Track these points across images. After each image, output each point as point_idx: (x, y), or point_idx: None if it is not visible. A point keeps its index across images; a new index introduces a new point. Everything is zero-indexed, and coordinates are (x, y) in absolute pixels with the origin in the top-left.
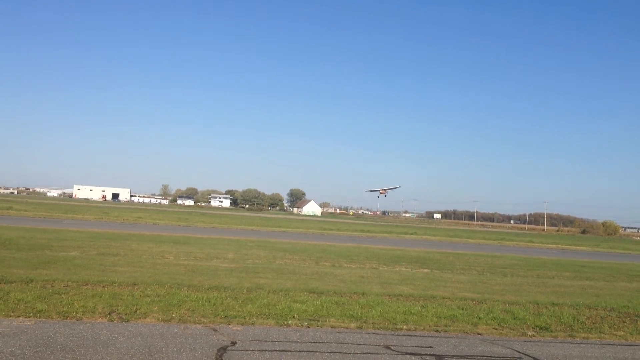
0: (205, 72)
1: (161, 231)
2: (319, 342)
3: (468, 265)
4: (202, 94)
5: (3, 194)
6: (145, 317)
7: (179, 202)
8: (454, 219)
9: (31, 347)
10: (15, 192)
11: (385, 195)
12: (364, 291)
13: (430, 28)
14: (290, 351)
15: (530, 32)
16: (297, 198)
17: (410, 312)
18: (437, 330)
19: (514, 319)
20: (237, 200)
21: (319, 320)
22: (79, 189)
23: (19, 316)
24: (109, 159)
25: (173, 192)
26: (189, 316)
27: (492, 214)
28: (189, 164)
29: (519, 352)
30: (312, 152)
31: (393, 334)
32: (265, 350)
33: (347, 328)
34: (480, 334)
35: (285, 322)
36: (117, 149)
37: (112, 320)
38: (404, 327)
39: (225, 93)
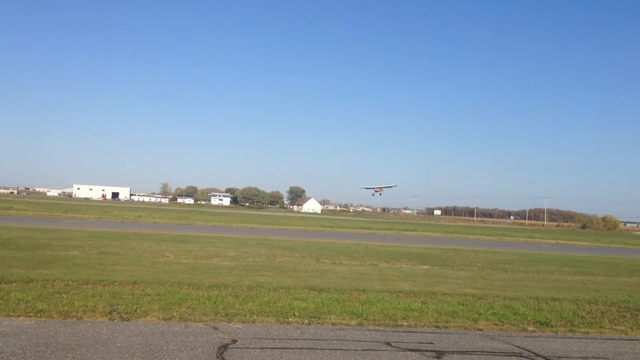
0: (204, 70)
1: (161, 230)
2: (320, 339)
3: (468, 261)
4: (201, 93)
5: (3, 194)
6: (145, 316)
7: (179, 200)
8: (454, 215)
9: (32, 346)
10: (15, 191)
11: (380, 194)
12: (364, 288)
13: (428, 24)
14: (291, 348)
15: (528, 26)
16: (297, 196)
17: (411, 309)
18: (437, 327)
19: (514, 314)
20: (237, 199)
21: (319, 318)
22: (78, 189)
23: (19, 316)
24: (109, 158)
25: (173, 190)
26: (190, 314)
27: (492, 209)
28: (188, 162)
29: (519, 347)
30: (312, 149)
31: (394, 331)
32: (266, 348)
33: (348, 325)
34: (481, 330)
35: (286, 320)
36: (117, 148)
37: (112, 320)
38: (405, 323)
39: (225, 92)
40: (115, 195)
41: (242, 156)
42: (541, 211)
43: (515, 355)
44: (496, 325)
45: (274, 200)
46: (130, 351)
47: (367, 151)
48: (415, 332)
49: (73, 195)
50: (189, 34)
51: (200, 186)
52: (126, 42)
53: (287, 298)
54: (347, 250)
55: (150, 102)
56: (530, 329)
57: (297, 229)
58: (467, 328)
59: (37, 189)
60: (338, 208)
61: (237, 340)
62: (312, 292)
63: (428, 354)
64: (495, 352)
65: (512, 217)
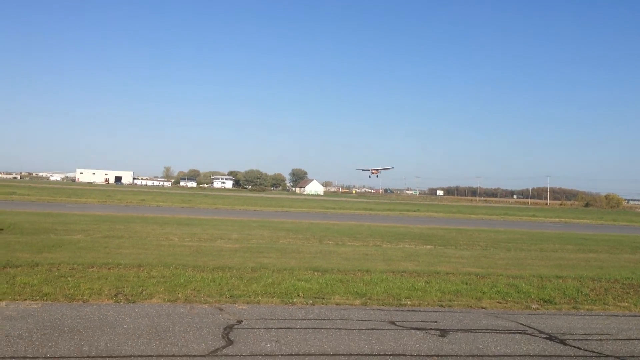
0: (205, 53)
1: (165, 213)
2: (324, 319)
3: (471, 240)
4: (202, 76)
5: (6, 179)
6: (151, 298)
7: (182, 184)
8: (457, 196)
9: (38, 329)
10: (18, 177)
11: (377, 176)
12: (367, 268)
13: (429, 1)
14: (296, 328)
15: (530, 2)
16: (300, 178)
17: (414, 288)
18: (441, 305)
19: (518, 292)
20: (240, 181)
21: (323, 298)
22: (81, 173)
23: (25, 299)
24: (111, 142)
25: (175, 174)
26: (195, 296)
27: (494, 189)
28: (190, 146)
29: (523, 324)
30: (313, 131)
31: (397, 310)
32: (271, 328)
33: (352, 305)
34: (485, 308)
35: (290, 300)
36: (119, 132)
37: (118, 302)
38: (409, 302)
39: (226, 74)
40: (118, 179)
41: (244, 139)
42: (544, 190)
43: (519, 333)
44: (500, 303)
45: (277, 182)
46: (137, 333)
47: (370, 132)
48: (419, 311)
49: (76, 179)
50: (188, 15)
51: (203, 169)
52: (125, 25)
53: (291, 279)
54: (350, 231)
55: (152, 85)
56: (534, 306)
57: (300, 211)
58: (470, 307)
59: (40, 174)
60: (340, 190)
61: (242, 321)
62: (315, 273)
63: (432, 332)
64: (499, 330)
65: (515, 197)
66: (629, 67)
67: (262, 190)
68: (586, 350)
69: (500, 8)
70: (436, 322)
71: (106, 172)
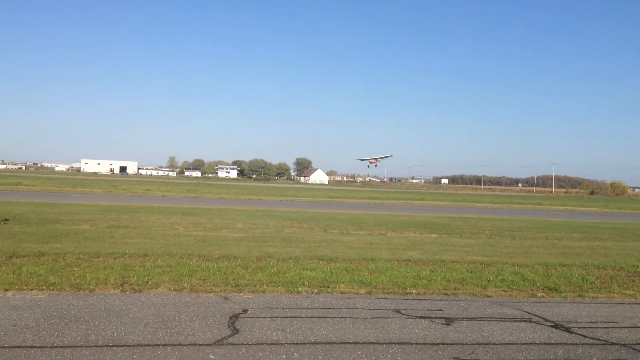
0: (209, 43)
1: (170, 203)
2: (330, 308)
3: (476, 229)
4: (206, 66)
5: (12, 170)
6: (157, 288)
7: (186, 173)
8: (462, 184)
9: (45, 319)
10: (24, 167)
11: (376, 165)
12: (372, 257)
13: None
14: (301, 317)
15: None
16: (304, 167)
17: (420, 277)
18: (446, 294)
19: (523, 280)
20: (244, 171)
21: (328, 287)
22: (86, 163)
23: (32, 289)
24: (116, 132)
25: (180, 164)
26: (201, 285)
27: (499, 177)
28: (195, 135)
29: (528, 313)
30: (318, 120)
31: (403, 299)
32: (276, 317)
33: (357, 294)
34: (490, 297)
35: (296, 289)
36: (124, 122)
37: (124, 291)
38: (414, 291)
39: (230, 64)
40: (123, 169)
41: (248, 128)
42: (549, 178)
43: (525, 321)
44: (505, 291)
45: (281, 172)
46: (143, 322)
47: (374, 121)
48: (424, 299)
49: (81, 169)
50: (191, 9)
51: (207, 159)
52: (131, 16)
53: (296, 268)
54: (355, 220)
55: (156, 76)
56: (539, 294)
57: (305, 200)
58: (476, 295)
59: (46, 164)
60: (345, 179)
61: (247, 310)
62: (321, 262)
63: (437, 320)
64: (504, 318)
65: (520, 185)
66: (635, 54)
67: (267, 180)
68: (592, 338)
69: None
70: (441, 310)
71: (111, 162)
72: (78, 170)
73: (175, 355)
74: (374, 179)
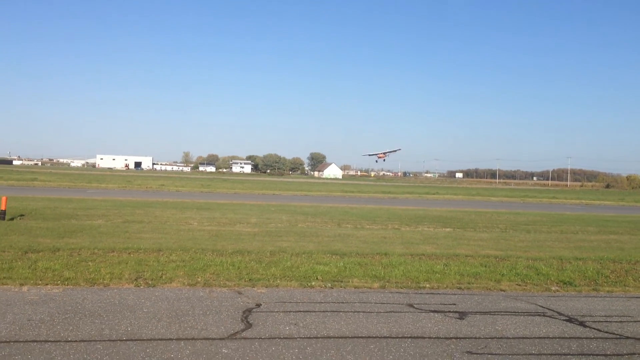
0: (224, 37)
1: (184, 198)
2: (343, 302)
3: (490, 223)
4: (220, 61)
5: (28, 166)
6: (171, 282)
7: (201, 169)
8: (476, 178)
9: (60, 313)
10: (40, 163)
11: (384, 160)
12: (386, 251)
13: None
14: (315, 312)
15: None
16: (318, 161)
17: (433, 271)
18: (460, 288)
19: (538, 274)
20: (258, 166)
21: (342, 281)
22: (101, 159)
23: (47, 284)
24: (131, 128)
25: (194, 159)
26: (214, 280)
27: (514, 171)
28: (209, 131)
29: (542, 307)
30: (332, 115)
31: (416, 293)
32: (289, 312)
33: (371, 288)
34: (504, 291)
35: (309, 284)
36: (138, 117)
37: (138, 286)
38: (427, 285)
39: (244, 59)
40: (137, 164)
41: (262, 123)
42: (564, 171)
43: (539, 315)
44: (519, 285)
45: (295, 166)
46: (156, 316)
47: (388, 115)
48: (438, 293)
49: (96, 165)
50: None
51: (221, 154)
52: (145, 10)
53: (310, 262)
54: (368, 214)
55: (171, 72)
56: (553, 288)
57: (318, 195)
58: (489, 289)
59: (61, 160)
60: (359, 173)
61: (261, 304)
62: (334, 256)
63: (451, 314)
64: (518, 312)
65: (534, 178)
66: None
67: (281, 175)
68: (606, 332)
69: None
70: (455, 304)
71: (126, 157)
72: (93, 165)
73: (189, 349)
74: (388, 173)
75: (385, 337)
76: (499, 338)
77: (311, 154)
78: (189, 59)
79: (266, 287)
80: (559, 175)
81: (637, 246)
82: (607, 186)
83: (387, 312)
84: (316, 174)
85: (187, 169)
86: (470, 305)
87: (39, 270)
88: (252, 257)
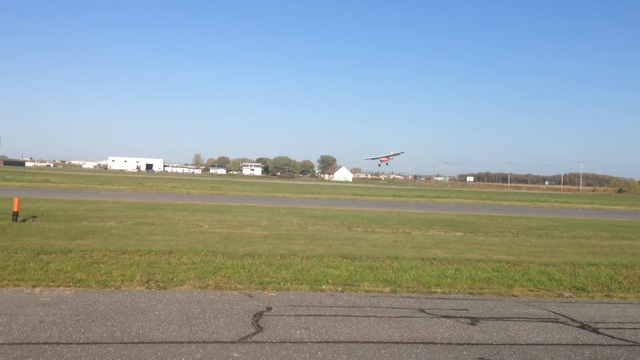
0: (234, 41)
1: (195, 200)
2: (354, 307)
3: (502, 227)
4: (231, 64)
5: (40, 167)
6: (182, 285)
7: (211, 171)
8: (487, 182)
9: (72, 315)
10: (52, 164)
11: (387, 164)
12: (397, 255)
13: None
14: (325, 315)
15: None
16: (328, 164)
17: (444, 276)
18: (471, 293)
19: (550, 280)
20: (269, 168)
21: (352, 285)
22: (113, 161)
23: (59, 286)
24: (143, 130)
25: (205, 161)
26: (225, 283)
27: (525, 175)
28: (220, 133)
29: (555, 313)
30: (342, 118)
31: (427, 298)
32: (300, 315)
33: (381, 292)
34: (516, 296)
35: (320, 287)
36: (150, 120)
37: (150, 288)
38: (438, 290)
39: (254, 61)
40: (149, 166)
41: (272, 126)
42: (576, 176)
43: (552, 321)
44: (531, 291)
45: (305, 169)
46: (168, 319)
47: (399, 118)
48: (449, 298)
49: (108, 167)
50: (213, 9)
51: (232, 156)
52: (157, 14)
53: (320, 266)
54: (379, 218)
55: (181, 74)
56: (566, 294)
57: (329, 198)
58: (502, 294)
59: (73, 162)
60: (369, 176)
61: (271, 308)
62: (344, 260)
63: (462, 320)
64: (531, 318)
65: (546, 183)
66: None
67: (291, 177)
68: (619, 339)
69: None
70: (467, 310)
71: (137, 159)
72: (105, 167)
73: (200, 352)
74: (398, 177)
75: (396, 343)
76: (511, 344)
77: (321, 156)
78: (200, 63)
79: (277, 290)
80: (570, 179)
81: None
82: (620, 191)
83: (398, 317)
84: (326, 176)
85: (198, 171)
86: (482, 310)
87: (51, 271)
88: (262, 260)
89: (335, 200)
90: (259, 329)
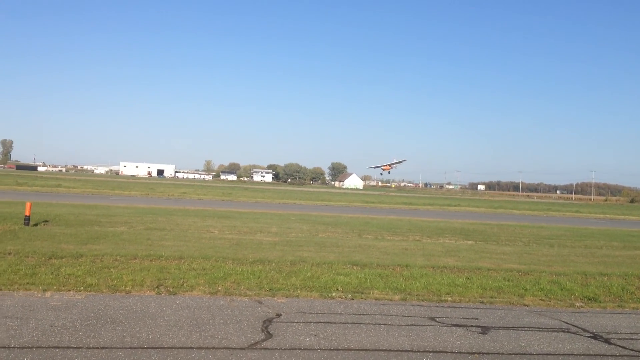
0: (244, 48)
1: (205, 206)
2: (364, 314)
3: (513, 236)
4: (241, 71)
5: (52, 172)
6: (192, 290)
7: (222, 177)
8: (498, 190)
9: (82, 319)
10: (64, 169)
11: (389, 172)
12: (407, 263)
13: None
14: (335, 323)
15: None
16: (339, 172)
17: (455, 284)
18: (482, 302)
19: (562, 290)
20: (279, 175)
21: (362, 293)
22: (125, 166)
23: (69, 290)
24: (154, 136)
25: (216, 167)
26: (235, 289)
27: (537, 184)
28: (231, 139)
29: (567, 323)
30: (353, 125)
31: (438, 306)
32: (310, 322)
33: (391, 300)
34: (527, 306)
35: (329, 295)
36: (162, 126)
37: (160, 294)
38: (449, 299)
39: (263, 69)
40: (160, 172)
41: (283, 133)
42: (588, 185)
43: (563, 331)
44: (543, 300)
45: (316, 176)
46: (177, 324)
47: (410, 126)
48: (460, 307)
49: (120, 172)
50: (231, 8)
51: (243, 163)
52: (170, 23)
53: (330, 273)
54: (389, 225)
55: (193, 81)
56: (578, 304)
57: (339, 205)
58: (513, 304)
59: (85, 167)
60: (380, 184)
61: (281, 315)
62: (354, 267)
63: (473, 329)
64: (542, 328)
65: (558, 192)
66: None
67: (302, 184)
68: (632, 350)
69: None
70: (477, 319)
71: (149, 165)
72: (117, 173)
73: (209, 358)
74: (409, 184)
75: (406, 351)
76: (522, 354)
77: (332, 163)
78: (211, 70)
79: (286, 297)
80: (582, 189)
81: None
82: (632, 201)
83: (408, 325)
84: (337, 184)
85: (208, 177)
86: (493, 319)
87: (62, 276)
88: (272, 266)
89: (345, 207)
90: (269, 335)
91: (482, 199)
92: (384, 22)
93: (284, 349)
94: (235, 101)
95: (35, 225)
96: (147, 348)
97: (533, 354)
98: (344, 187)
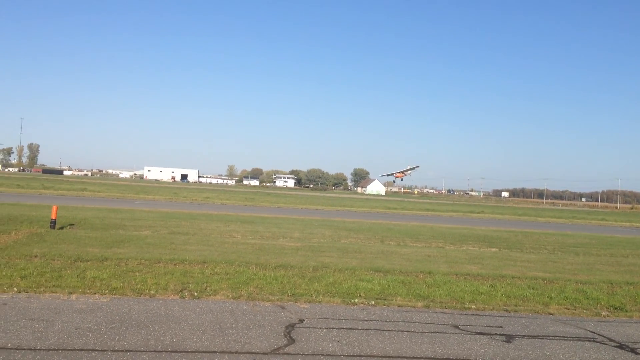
0: (268, 54)
1: (228, 211)
2: (386, 321)
3: (538, 244)
4: (265, 76)
5: (78, 176)
6: (215, 295)
7: (245, 182)
8: (522, 197)
9: (107, 322)
10: (89, 174)
11: (402, 179)
12: (430, 270)
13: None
14: (358, 329)
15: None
16: (361, 177)
17: (479, 292)
18: (506, 310)
19: (587, 298)
20: (302, 180)
21: (385, 299)
22: (149, 171)
23: (94, 293)
24: (178, 141)
25: (239, 172)
26: (257, 294)
27: (562, 192)
28: (253, 144)
29: (592, 332)
30: (376, 131)
31: (461, 314)
32: (332, 328)
33: (414, 307)
34: (552, 314)
35: (352, 301)
36: (186, 131)
37: (183, 297)
38: (473, 306)
39: (288, 75)
40: (184, 177)
41: (306, 138)
42: (614, 193)
43: (589, 341)
44: (568, 309)
45: (338, 182)
46: (201, 328)
47: (433, 132)
48: (484, 315)
49: (144, 177)
50: (255, 14)
51: (265, 168)
52: (192, 27)
53: (353, 279)
54: (412, 232)
55: (216, 86)
56: (604, 313)
57: (361, 211)
58: (537, 312)
59: (110, 171)
60: (402, 190)
61: (304, 320)
62: (377, 273)
63: (497, 337)
64: (567, 337)
65: (583, 200)
66: None
67: (324, 190)
68: None
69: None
70: (501, 327)
71: (173, 170)
72: (141, 177)
73: None
74: (432, 191)
75: (430, 358)
76: None
77: (354, 169)
78: (236, 74)
79: (309, 302)
80: (608, 196)
81: None
82: None
83: (431, 332)
84: (359, 189)
85: (231, 182)
86: (517, 328)
87: (87, 279)
88: (295, 271)
89: (367, 213)
90: (291, 340)
91: (506, 206)
92: (410, 29)
93: (307, 354)
94: (259, 106)
95: (61, 228)
96: (171, 351)
97: None
98: (367, 193)
